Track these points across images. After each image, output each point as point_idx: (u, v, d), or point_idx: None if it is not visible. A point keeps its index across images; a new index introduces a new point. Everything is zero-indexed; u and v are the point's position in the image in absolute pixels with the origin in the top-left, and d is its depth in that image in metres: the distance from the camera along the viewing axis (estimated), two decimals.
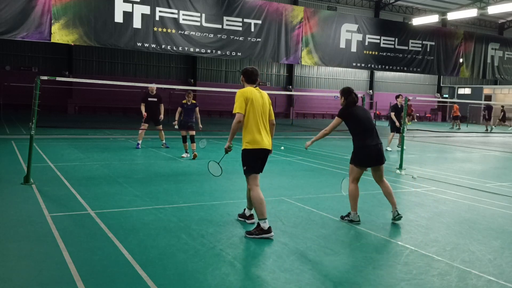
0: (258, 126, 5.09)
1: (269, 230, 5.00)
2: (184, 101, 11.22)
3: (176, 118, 11.43)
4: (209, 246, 4.74)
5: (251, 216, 5.70)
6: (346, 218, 5.92)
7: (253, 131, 5.07)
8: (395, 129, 14.56)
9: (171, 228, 5.31)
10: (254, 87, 5.24)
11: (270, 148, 5.25)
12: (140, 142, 12.85)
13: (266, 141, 5.17)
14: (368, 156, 5.74)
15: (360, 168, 5.81)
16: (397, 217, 5.82)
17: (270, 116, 5.31)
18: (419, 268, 4.36)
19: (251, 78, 5.24)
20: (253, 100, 5.06)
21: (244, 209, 5.82)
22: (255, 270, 4.21)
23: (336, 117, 5.92)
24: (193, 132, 11.15)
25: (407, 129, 11.19)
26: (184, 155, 11.35)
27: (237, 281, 3.97)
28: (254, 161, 5.13)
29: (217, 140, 15.82)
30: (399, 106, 14.46)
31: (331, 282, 3.95)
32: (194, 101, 11.31)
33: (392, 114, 14.68)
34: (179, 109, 11.29)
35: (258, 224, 5.06)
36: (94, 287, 3.67)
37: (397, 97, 14.71)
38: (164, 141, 13.17)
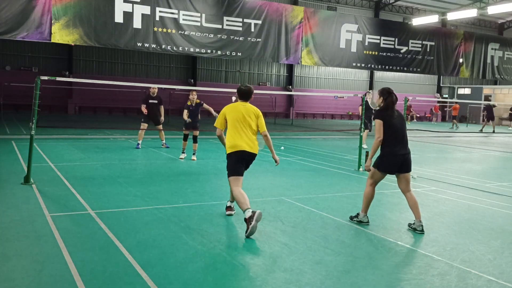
0: (235, 132, 5.55)
1: (253, 214, 5.09)
2: (188, 103, 10.94)
3: (186, 118, 10.92)
4: (209, 246, 4.74)
5: (229, 208, 6.06)
6: (355, 218, 5.87)
7: (231, 137, 5.57)
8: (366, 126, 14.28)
9: (171, 229, 5.31)
10: (245, 101, 5.77)
11: (251, 151, 5.54)
12: (140, 142, 12.86)
13: (244, 144, 5.51)
14: (394, 164, 5.56)
15: (382, 174, 5.67)
16: (418, 231, 5.47)
17: (260, 129, 5.69)
18: (419, 268, 4.37)
19: (243, 97, 5.78)
20: (231, 112, 5.65)
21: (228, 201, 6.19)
22: (255, 270, 4.20)
23: (376, 120, 5.56)
24: (197, 133, 11.04)
25: (407, 129, 11.19)
26: (182, 156, 11.19)
27: (237, 281, 3.97)
28: (235, 164, 5.52)
29: (218, 140, 15.79)
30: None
31: (331, 282, 3.95)
32: (199, 101, 10.99)
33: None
34: (185, 111, 10.92)
35: (245, 218, 5.20)
36: (94, 287, 3.67)
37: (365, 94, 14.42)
38: (164, 141, 13.18)
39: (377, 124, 5.58)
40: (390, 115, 5.60)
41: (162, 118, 12.86)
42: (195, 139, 11.02)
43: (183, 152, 11.26)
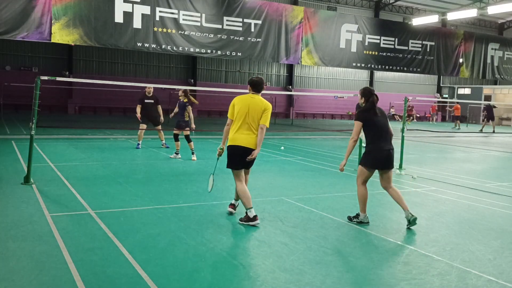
0: (237, 127, 5.61)
1: (254, 218, 5.47)
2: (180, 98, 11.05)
3: (172, 114, 11.40)
4: (209, 246, 4.74)
5: (232, 205, 6.12)
6: (355, 219, 5.86)
7: (233, 129, 5.65)
8: None
9: (171, 228, 5.32)
10: (255, 93, 5.75)
11: (248, 146, 5.57)
12: (140, 142, 12.84)
13: (242, 140, 5.58)
14: (380, 159, 5.64)
15: (370, 170, 5.72)
16: (412, 220, 5.55)
17: (261, 121, 5.64)
18: (419, 268, 4.37)
19: (255, 88, 5.78)
20: (238, 104, 5.65)
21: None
22: (255, 270, 4.20)
23: (356, 122, 5.69)
24: (187, 132, 10.97)
25: (407, 129, 11.20)
26: (173, 155, 11.11)
27: (237, 281, 3.97)
28: (232, 157, 5.63)
29: (217, 140, 15.82)
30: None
31: (331, 282, 3.95)
32: (186, 100, 10.93)
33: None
34: (177, 106, 11.15)
35: (246, 213, 5.48)
36: (94, 287, 3.67)
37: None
38: (164, 141, 13.16)
39: (357, 125, 5.67)
40: (373, 114, 5.70)
41: (162, 118, 12.82)
42: (187, 139, 10.96)
43: (176, 153, 11.15)
